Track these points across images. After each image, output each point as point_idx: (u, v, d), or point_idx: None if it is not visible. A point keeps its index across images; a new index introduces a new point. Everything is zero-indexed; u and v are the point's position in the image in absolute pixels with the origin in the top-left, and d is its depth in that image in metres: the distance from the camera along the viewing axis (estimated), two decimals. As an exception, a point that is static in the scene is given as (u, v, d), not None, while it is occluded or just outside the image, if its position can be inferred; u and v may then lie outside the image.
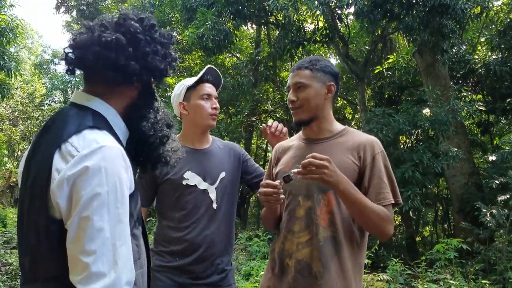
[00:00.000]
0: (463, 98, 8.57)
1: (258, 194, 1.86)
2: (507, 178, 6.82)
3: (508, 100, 8.56)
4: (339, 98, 14.83)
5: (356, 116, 15.24)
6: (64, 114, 1.32)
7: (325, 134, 1.97)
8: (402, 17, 8.03)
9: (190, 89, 2.28)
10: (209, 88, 2.30)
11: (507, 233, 6.31)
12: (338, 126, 2.01)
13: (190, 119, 2.30)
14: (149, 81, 1.44)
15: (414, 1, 7.75)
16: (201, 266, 2.15)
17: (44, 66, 22.53)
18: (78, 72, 1.42)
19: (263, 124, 2.37)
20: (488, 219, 6.28)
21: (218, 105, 2.31)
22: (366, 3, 7.80)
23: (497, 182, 7.10)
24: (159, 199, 2.27)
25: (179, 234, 2.16)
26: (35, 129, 18.73)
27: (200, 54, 13.51)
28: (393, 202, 1.81)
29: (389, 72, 10.91)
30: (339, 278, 1.78)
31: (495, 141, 12.12)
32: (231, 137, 10.47)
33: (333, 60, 15.80)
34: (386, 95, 11.85)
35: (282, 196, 1.78)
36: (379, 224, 1.77)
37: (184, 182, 2.19)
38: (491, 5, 8.29)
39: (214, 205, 2.21)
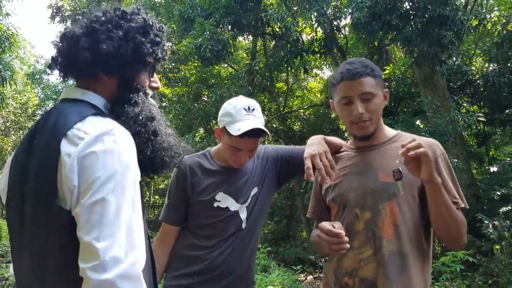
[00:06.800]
0: (461, 109, 8.57)
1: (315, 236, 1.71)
2: (509, 190, 6.80)
3: (507, 111, 8.58)
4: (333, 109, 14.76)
5: (351, 127, 15.18)
6: (59, 109, 1.27)
7: (378, 140, 1.83)
8: (400, 28, 8.04)
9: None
10: (243, 143, 2.01)
11: (509, 245, 6.27)
12: (390, 132, 1.88)
13: (222, 148, 2.14)
14: (125, 73, 1.36)
15: (413, 12, 7.77)
16: (218, 286, 2.04)
17: (37, 76, 22.32)
18: (70, 82, 1.45)
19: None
20: (491, 231, 6.23)
21: (245, 159, 2.07)
22: (364, 14, 7.80)
23: (498, 193, 7.07)
24: (189, 218, 2.16)
25: (201, 252, 2.06)
26: (27, 140, 18.47)
27: (196, 64, 13.47)
28: (463, 205, 1.69)
29: (386, 83, 10.93)
30: None
31: (491, 152, 12.15)
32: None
33: (328, 71, 15.86)
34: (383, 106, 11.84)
35: (347, 246, 1.57)
36: (460, 229, 1.64)
37: (215, 205, 2.08)
38: (488, 17, 8.34)
39: (243, 225, 2.10)
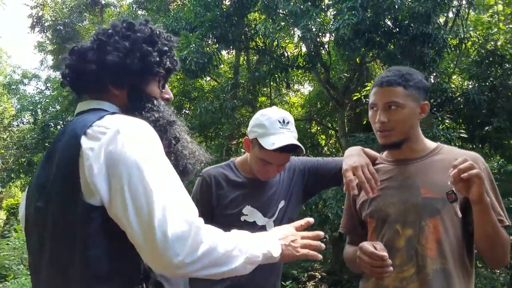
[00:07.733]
0: (441, 126, 8.72)
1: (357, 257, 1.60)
2: (490, 205, 6.90)
3: (486, 128, 8.77)
4: (313, 124, 14.85)
5: (330, 142, 15.26)
6: (76, 119, 1.24)
7: (418, 153, 1.76)
8: (384, 45, 8.17)
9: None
10: (274, 157, 1.91)
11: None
12: (430, 144, 1.81)
13: (250, 160, 2.04)
14: (134, 83, 1.34)
15: (396, 30, 7.92)
16: None
17: (13, 87, 21.89)
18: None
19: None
20: (474, 246, 6.30)
21: (274, 173, 1.99)
22: (348, 31, 7.90)
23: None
24: None
25: None
26: (2, 151, 18.07)
27: (179, 77, 13.41)
28: (507, 223, 1.63)
29: (367, 99, 11.02)
30: None
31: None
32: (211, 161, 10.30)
33: (309, 87, 15.97)
34: (364, 122, 11.98)
35: (391, 269, 1.51)
36: (506, 248, 1.58)
37: (242, 219, 1.98)
38: (468, 35, 8.57)
39: None
